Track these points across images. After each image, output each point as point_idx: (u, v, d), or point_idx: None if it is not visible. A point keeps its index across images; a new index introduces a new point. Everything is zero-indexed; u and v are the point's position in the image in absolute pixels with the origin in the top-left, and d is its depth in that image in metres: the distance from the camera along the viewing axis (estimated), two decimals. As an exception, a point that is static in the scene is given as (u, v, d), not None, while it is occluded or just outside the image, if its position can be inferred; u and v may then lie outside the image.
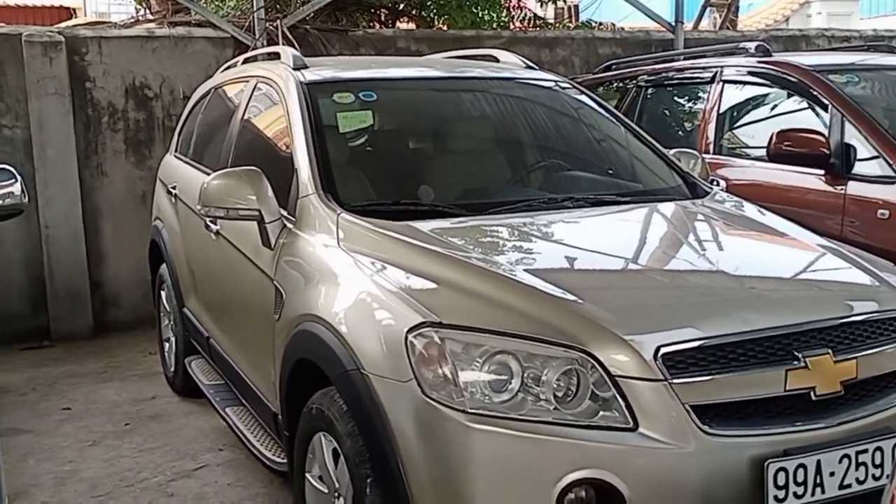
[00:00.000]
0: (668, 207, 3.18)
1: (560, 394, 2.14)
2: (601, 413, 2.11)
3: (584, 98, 3.98)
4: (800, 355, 2.19)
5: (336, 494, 2.60)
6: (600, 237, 2.88)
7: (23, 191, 2.79)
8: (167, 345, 4.99)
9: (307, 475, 2.78)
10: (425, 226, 2.81)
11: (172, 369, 4.90)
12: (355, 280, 2.60)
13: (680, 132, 5.67)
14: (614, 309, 2.28)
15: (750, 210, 3.20)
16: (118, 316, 6.40)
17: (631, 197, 3.27)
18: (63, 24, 6.95)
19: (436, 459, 2.16)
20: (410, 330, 2.25)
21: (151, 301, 5.36)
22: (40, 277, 6.17)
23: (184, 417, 4.56)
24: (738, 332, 2.21)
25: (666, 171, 3.59)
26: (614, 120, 3.91)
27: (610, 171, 3.68)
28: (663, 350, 2.13)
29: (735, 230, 3.04)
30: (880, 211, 3.99)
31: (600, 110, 3.95)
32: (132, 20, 7.42)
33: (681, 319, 2.27)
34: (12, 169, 2.82)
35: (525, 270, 2.48)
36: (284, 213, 3.11)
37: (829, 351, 2.23)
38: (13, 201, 2.76)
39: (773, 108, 5.01)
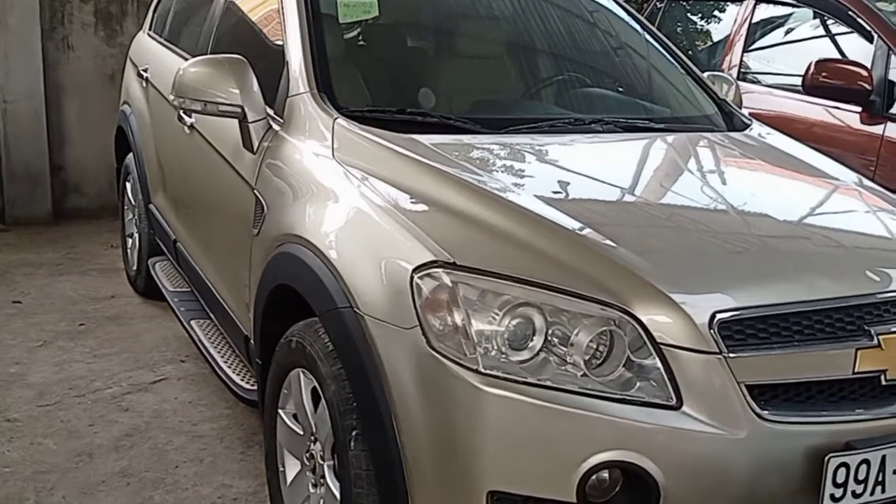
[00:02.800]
0: (708, 140, 2.81)
1: (589, 356, 1.81)
2: (638, 384, 1.78)
3: (609, 3, 3.55)
4: (872, 332, 1.87)
5: (312, 438, 2.29)
6: (634, 172, 2.51)
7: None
8: (130, 241, 4.61)
9: (280, 411, 2.46)
10: (434, 141, 2.42)
11: (135, 268, 4.53)
12: (352, 200, 2.22)
13: (700, 53, 5.26)
14: (660, 260, 1.93)
15: (800, 150, 2.84)
16: (80, 203, 6.00)
17: (665, 124, 2.88)
18: None
19: (438, 421, 1.84)
20: (417, 269, 1.89)
21: (116, 191, 4.95)
22: (-4, 154, 5.72)
23: (144, 321, 4.22)
24: (807, 300, 1.87)
25: (698, 95, 3.20)
26: (645, 33, 3.49)
27: (635, 90, 3.29)
28: (720, 316, 1.80)
29: (788, 174, 2.68)
30: (922, 158, 3.67)
31: (628, 19, 3.53)
32: None
33: (740, 280, 1.92)
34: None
35: (551, 205, 2.11)
36: (271, 112, 2.70)
37: (905, 328, 1.91)
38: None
39: (807, 34, 4.61)
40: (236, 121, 2.68)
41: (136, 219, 4.42)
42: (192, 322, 3.44)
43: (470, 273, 1.86)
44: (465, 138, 2.51)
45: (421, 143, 2.39)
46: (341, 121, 2.48)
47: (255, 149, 2.66)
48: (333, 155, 2.40)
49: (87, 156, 5.88)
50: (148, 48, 4.36)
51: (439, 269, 1.87)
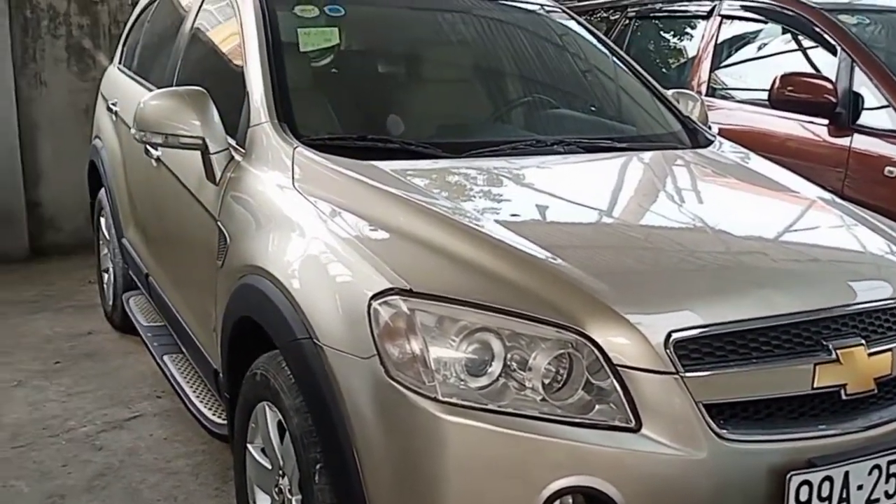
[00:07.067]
0: (669, 158, 2.81)
1: (548, 380, 1.80)
2: (597, 408, 1.77)
3: (573, 25, 3.57)
4: (830, 346, 1.87)
5: (280, 472, 2.26)
6: (596, 192, 2.50)
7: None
8: (106, 276, 4.58)
9: (249, 446, 2.43)
10: (395, 167, 2.42)
11: (111, 303, 4.50)
12: (311, 229, 2.21)
13: (669, 71, 5.29)
14: (616, 281, 1.92)
15: (763, 165, 2.84)
16: (57, 239, 5.97)
17: (627, 143, 2.89)
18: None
19: (398, 452, 1.82)
20: (374, 297, 1.88)
21: (92, 226, 4.93)
22: (-30, 193, 5.69)
23: (121, 357, 4.19)
24: (763, 316, 1.86)
25: (664, 113, 3.22)
26: (608, 52, 3.51)
27: (601, 111, 3.30)
28: (675, 336, 1.79)
29: (750, 190, 2.67)
30: (888, 168, 3.68)
31: (592, 40, 3.55)
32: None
33: (695, 298, 1.91)
34: None
35: (510, 229, 2.10)
36: (233, 142, 2.70)
37: (863, 341, 1.90)
38: None
39: (774, 49, 4.65)
40: (199, 153, 2.67)
41: (111, 253, 4.40)
42: (165, 357, 3.42)
43: (427, 299, 1.84)
44: (426, 163, 2.51)
45: (380, 169, 2.39)
46: (301, 150, 2.48)
47: (217, 180, 2.66)
48: (294, 185, 2.39)
49: (64, 191, 5.85)
50: (117, 82, 4.36)
51: (396, 297, 1.86)
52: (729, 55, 4.82)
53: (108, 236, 4.45)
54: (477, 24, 3.42)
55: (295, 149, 2.48)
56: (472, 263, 1.97)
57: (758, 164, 2.88)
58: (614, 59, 3.48)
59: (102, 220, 4.54)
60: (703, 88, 4.65)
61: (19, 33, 5.67)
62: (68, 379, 3.93)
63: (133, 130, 2.72)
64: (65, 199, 5.87)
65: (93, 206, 4.77)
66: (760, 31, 4.78)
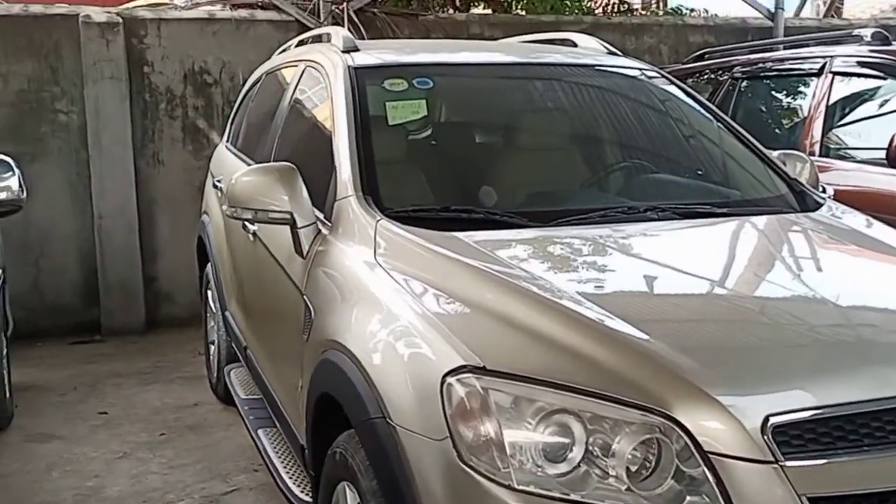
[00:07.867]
0: (773, 223, 2.63)
1: (634, 468, 1.66)
2: (688, 499, 1.61)
3: (673, 89, 3.46)
4: (956, 432, 1.66)
5: (362, 555, 2.18)
6: (691, 262, 2.35)
7: (20, 186, 2.43)
8: (212, 348, 4.67)
9: (332, 527, 2.37)
10: (477, 238, 2.35)
11: (215, 375, 4.57)
12: (389, 304, 2.15)
13: (780, 131, 5.08)
14: (707, 358, 1.77)
15: (879, 230, 2.63)
16: (172, 312, 6.16)
17: (728, 208, 2.73)
18: (122, 6, 6.71)
19: (472, 542, 1.71)
20: (447, 375, 1.79)
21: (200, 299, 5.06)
22: (93, 269, 5.97)
23: (223, 430, 4.23)
24: (878, 398, 1.68)
25: (769, 176, 3.04)
26: (709, 115, 3.37)
27: (702, 174, 3.15)
28: (774, 420, 1.62)
29: (862, 257, 2.47)
30: None
31: (693, 104, 3.42)
32: (193, 3, 7.15)
33: (797, 377, 1.74)
34: (10, 161, 2.46)
35: (592, 302, 1.99)
36: (321, 216, 2.70)
37: None
38: (9, 196, 2.40)
39: (891, 105, 4.38)
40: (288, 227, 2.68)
41: (217, 326, 4.48)
42: (260, 430, 3.40)
43: (501, 378, 1.75)
44: (510, 233, 2.43)
45: (462, 241, 2.32)
46: (384, 222, 2.45)
47: (305, 254, 2.65)
48: (375, 258, 2.35)
49: (179, 265, 6.04)
50: (223, 159, 4.50)
51: (469, 375, 1.77)
52: (844, 113, 4.57)
53: (213, 309, 4.55)
54: (573, 91, 3.36)
55: (378, 221, 2.45)
56: (553, 340, 1.86)
57: (871, 226, 2.66)
58: (717, 122, 3.33)
59: (209, 294, 4.65)
60: (817, 148, 4.42)
61: (139, 116, 5.97)
62: (171, 451, 3.99)
63: (224, 207, 2.76)
64: (179, 274, 6.06)
65: (201, 280, 4.90)
66: (879, 87, 4.52)
